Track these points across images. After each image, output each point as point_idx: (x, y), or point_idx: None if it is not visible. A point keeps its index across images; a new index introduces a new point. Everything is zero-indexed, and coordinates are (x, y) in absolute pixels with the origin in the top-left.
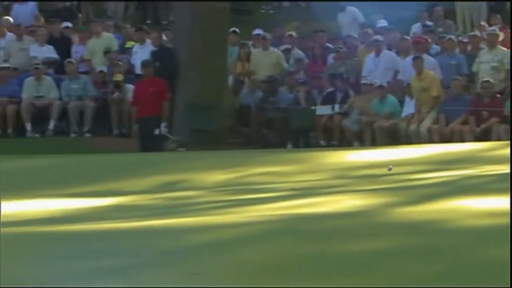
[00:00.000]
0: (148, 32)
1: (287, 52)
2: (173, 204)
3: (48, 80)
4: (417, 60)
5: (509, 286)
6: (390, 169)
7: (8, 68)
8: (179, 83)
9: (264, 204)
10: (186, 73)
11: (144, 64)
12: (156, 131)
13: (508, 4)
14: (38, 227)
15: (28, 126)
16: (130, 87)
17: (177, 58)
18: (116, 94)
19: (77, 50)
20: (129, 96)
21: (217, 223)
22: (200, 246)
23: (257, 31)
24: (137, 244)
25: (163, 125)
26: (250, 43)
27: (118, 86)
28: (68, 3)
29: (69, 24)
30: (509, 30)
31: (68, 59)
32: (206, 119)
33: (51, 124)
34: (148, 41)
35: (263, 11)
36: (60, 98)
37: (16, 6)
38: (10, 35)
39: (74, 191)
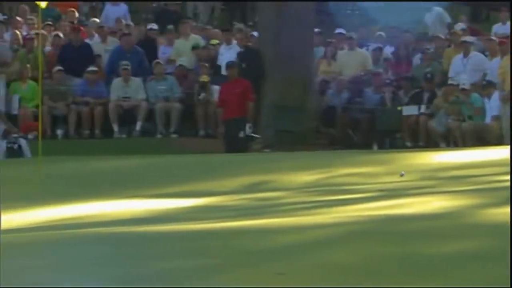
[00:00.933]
0: (234, 34)
1: (377, 50)
2: (259, 204)
3: (136, 81)
4: None
5: (509, 286)
6: (402, 175)
7: (95, 71)
8: (265, 84)
9: (351, 205)
10: (272, 74)
11: (229, 65)
12: (241, 133)
13: None
14: (125, 227)
15: (115, 127)
16: (216, 88)
17: (263, 59)
18: (202, 95)
19: (164, 51)
20: (215, 97)
21: (304, 223)
22: (287, 247)
23: (338, 30)
24: (223, 244)
25: (248, 126)
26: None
27: (204, 87)
28: (155, 4)
29: (154, 26)
30: None
31: (156, 60)
32: (292, 120)
33: (138, 125)
34: (234, 42)
35: (349, 11)
36: (147, 99)
37: (108, 7)
38: (96, 37)
39: (161, 191)
